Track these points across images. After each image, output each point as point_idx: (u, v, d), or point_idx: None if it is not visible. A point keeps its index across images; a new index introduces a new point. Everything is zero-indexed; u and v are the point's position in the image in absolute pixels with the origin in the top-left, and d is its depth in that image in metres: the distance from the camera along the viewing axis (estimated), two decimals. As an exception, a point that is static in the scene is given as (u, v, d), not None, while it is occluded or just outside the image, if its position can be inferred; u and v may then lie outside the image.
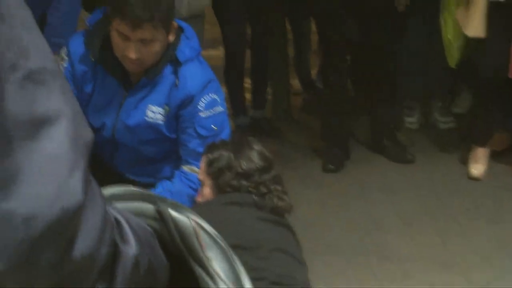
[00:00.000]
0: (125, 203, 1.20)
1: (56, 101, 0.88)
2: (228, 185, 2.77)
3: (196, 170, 3.09)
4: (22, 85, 0.85)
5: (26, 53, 0.87)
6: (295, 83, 6.23)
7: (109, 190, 1.21)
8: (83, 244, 0.89)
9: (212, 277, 1.19)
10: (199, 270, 1.19)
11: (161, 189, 3.12)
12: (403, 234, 4.15)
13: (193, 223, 1.19)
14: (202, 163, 2.87)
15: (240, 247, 2.55)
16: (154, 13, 2.86)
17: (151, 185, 3.17)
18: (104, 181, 3.24)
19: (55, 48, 3.90)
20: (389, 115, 5.12)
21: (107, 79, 3.11)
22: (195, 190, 3.07)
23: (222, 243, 1.22)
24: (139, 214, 1.19)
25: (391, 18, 4.77)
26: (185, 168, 3.15)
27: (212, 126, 3.10)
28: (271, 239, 2.64)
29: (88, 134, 0.92)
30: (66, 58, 3.15)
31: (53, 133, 0.86)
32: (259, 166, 2.77)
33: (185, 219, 1.19)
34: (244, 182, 2.75)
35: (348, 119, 5.18)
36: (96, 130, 3.23)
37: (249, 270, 2.43)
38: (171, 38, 3.03)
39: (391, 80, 5.04)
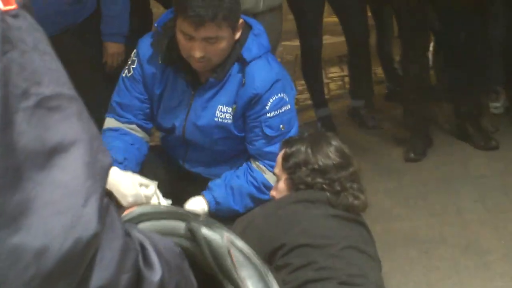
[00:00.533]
0: (155, 222, 1.17)
1: (72, 127, 0.86)
2: (302, 182, 2.74)
3: (263, 169, 3.10)
4: (34, 113, 0.82)
5: (38, 79, 0.84)
6: (379, 71, 6.16)
7: (137, 210, 1.18)
8: (99, 275, 0.86)
9: (245, 297, 1.16)
10: (232, 290, 1.18)
11: (224, 182, 3.11)
12: (486, 224, 4.00)
13: (226, 241, 1.16)
14: (279, 158, 2.85)
15: (310, 245, 2.54)
16: (217, 11, 2.83)
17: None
18: (179, 182, 3.26)
19: (114, 38, 3.98)
20: (473, 101, 5.01)
21: (176, 80, 3.11)
22: (257, 188, 3.08)
23: (256, 261, 1.17)
24: (169, 233, 1.15)
25: (472, 6, 4.67)
26: (253, 164, 3.13)
27: (280, 126, 3.06)
28: (343, 237, 2.61)
29: (106, 158, 0.89)
30: (135, 59, 3.14)
31: (67, 161, 0.84)
32: (336, 163, 2.73)
33: (218, 237, 1.15)
34: (319, 179, 2.71)
35: (430, 107, 5.08)
36: (167, 131, 3.25)
37: (318, 270, 2.43)
38: (238, 35, 3.00)
39: (474, 66, 4.92)
